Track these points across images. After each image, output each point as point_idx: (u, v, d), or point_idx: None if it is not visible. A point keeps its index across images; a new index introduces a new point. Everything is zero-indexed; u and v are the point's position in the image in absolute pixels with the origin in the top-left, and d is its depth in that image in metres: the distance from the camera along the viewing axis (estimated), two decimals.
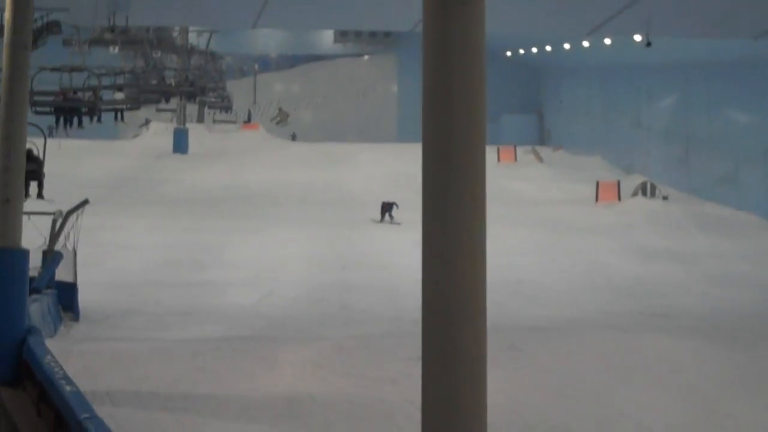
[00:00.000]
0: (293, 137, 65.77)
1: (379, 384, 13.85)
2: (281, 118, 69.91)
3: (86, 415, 10.61)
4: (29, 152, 21.36)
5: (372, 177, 45.85)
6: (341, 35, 68.35)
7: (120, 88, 38.14)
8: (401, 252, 27.36)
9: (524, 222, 34.83)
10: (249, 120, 68.27)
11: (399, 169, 43.82)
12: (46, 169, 22.12)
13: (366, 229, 33.31)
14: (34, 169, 21.01)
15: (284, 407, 12.66)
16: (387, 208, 34.41)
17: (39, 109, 27.39)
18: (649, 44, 25.88)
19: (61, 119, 29.90)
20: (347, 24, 44.60)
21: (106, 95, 35.72)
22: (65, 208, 21.56)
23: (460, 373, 5.43)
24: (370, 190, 42.13)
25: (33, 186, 21.22)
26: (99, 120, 31.38)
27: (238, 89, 67.07)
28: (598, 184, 43.23)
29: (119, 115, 37.79)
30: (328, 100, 69.71)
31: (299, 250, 29.66)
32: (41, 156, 21.61)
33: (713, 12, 24.14)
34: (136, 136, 60.95)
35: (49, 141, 22.89)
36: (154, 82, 43.10)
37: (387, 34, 65.96)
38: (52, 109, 28.89)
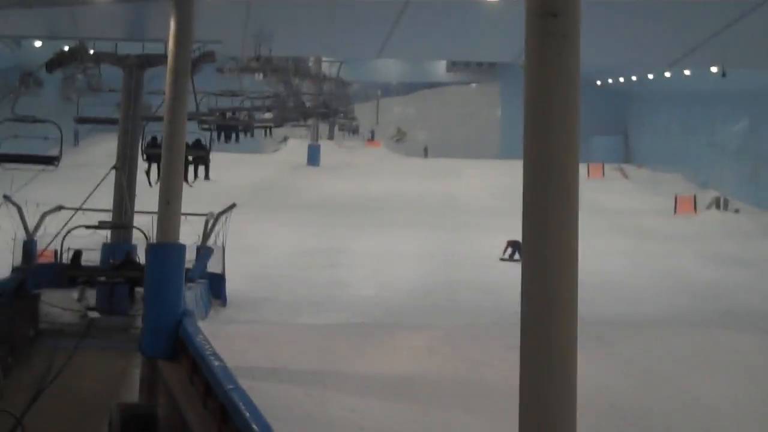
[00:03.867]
0: (425, 151, 66.22)
1: (481, 367, 13.75)
2: (399, 136, 70.26)
3: (231, 386, 10.75)
4: (198, 142, 22.03)
5: (476, 188, 45.73)
6: (452, 65, 68.50)
7: (269, 110, 38.99)
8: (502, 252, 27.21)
9: (611, 230, 34.37)
10: (372, 138, 68.78)
11: (500, 181, 43.60)
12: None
13: (471, 233, 33.16)
14: (203, 156, 21.68)
15: (398, 384, 12.64)
16: (514, 246, 28.22)
17: (204, 126, 27.99)
18: (724, 75, 25.36)
19: (222, 134, 30.65)
20: (458, 55, 44.62)
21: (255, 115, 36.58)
22: (216, 211, 21.92)
23: (553, 359, 5.40)
24: (475, 200, 42.02)
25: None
26: (252, 135, 32.30)
27: (363, 112, 67.59)
28: (676, 197, 42.52)
29: (268, 131, 38.80)
30: (440, 121, 69.77)
31: (413, 250, 29.68)
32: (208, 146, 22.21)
33: None
34: (276, 150, 61.75)
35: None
36: (291, 104, 43.80)
37: (492, 65, 65.86)
38: (215, 126, 29.59)
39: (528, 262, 5.55)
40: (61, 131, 19.09)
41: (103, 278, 20.32)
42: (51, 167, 19.63)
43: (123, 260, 20.59)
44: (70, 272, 20.92)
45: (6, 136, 20.24)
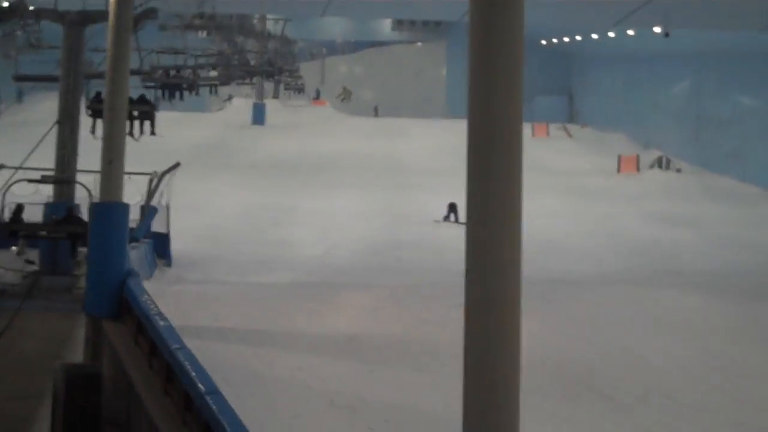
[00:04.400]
0: (375, 110, 66.07)
1: (427, 326, 13.88)
2: (345, 95, 70.05)
3: (176, 346, 10.72)
4: (143, 97, 21.82)
5: (423, 148, 45.77)
6: (398, 24, 68.25)
7: (213, 68, 38.76)
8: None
9: (554, 189, 34.65)
10: (318, 97, 68.48)
11: (446, 141, 43.68)
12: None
13: (418, 193, 33.25)
14: (147, 111, 21.51)
15: (346, 344, 12.73)
16: (452, 208, 29.12)
17: (148, 84, 27.65)
18: (667, 35, 25.59)
19: (167, 92, 30.33)
20: (403, 14, 44.51)
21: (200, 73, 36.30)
22: (161, 170, 21.73)
23: (498, 317, 5.44)
24: (421, 159, 42.10)
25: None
26: (197, 93, 32.10)
27: (308, 71, 67.22)
28: (620, 157, 42.94)
29: (213, 90, 38.63)
30: (386, 81, 69.64)
31: (360, 209, 29.71)
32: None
33: (724, 7, 23.84)
34: (220, 109, 61.23)
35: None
36: (236, 62, 43.51)
37: (438, 24, 65.79)
38: (160, 84, 29.25)
39: (472, 221, 5.58)
40: None
41: (44, 233, 20.05)
42: None
43: (65, 216, 20.35)
44: (10, 226, 20.62)
45: None
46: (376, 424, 9.35)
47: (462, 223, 29.62)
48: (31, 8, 24.75)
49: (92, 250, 15.09)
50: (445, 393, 8.67)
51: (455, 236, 19.72)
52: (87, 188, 20.04)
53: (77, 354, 15.38)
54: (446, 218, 28.49)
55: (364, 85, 70.57)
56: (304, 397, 10.11)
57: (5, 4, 25.01)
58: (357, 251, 23.15)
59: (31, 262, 19.93)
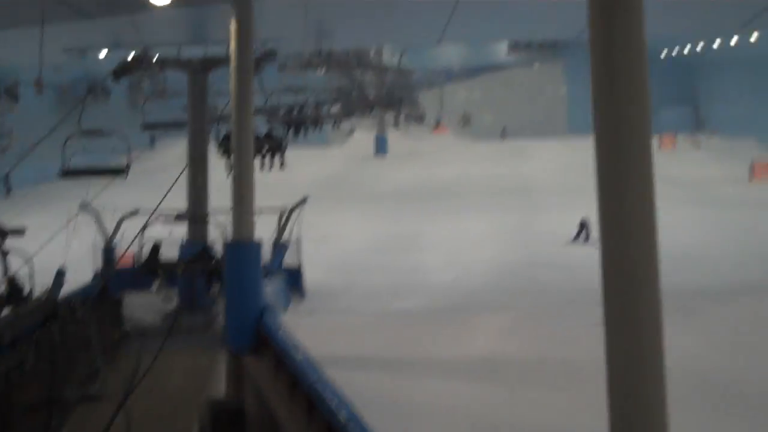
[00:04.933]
0: (503, 132, 65.95)
1: (565, 345, 13.71)
2: (465, 121, 70.13)
3: (316, 378, 10.88)
4: (270, 132, 22.39)
5: (548, 167, 45.43)
6: (514, 47, 68.07)
7: (335, 103, 39.49)
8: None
9: (686, 201, 33.90)
10: (438, 125, 68.71)
11: (571, 159, 43.25)
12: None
13: (546, 213, 32.97)
14: (276, 145, 22.08)
15: (483, 367, 12.67)
16: (583, 226, 28.16)
17: (273, 123, 28.29)
18: None
19: (291, 130, 30.95)
20: (519, 35, 44.32)
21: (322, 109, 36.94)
22: (288, 206, 22.11)
23: (639, 333, 5.36)
24: (546, 179, 41.77)
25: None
26: (320, 129, 32.71)
27: (427, 99, 67.58)
28: (752, 163, 41.75)
29: (335, 125, 39.35)
30: (505, 104, 69.46)
31: (487, 232, 29.61)
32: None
33: None
34: (343, 143, 62.02)
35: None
36: (355, 96, 44.13)
37: (553, 43, 65.36)
38: (284, 122, 29.89)
39: (606, 238, 5.53)
40: (128, 142, 19.39)
41: (179, 270, 20.68)
42: (121, 177, 19.98)
43: (199, 254, 20.92)
44: (148, 264, 21.30)
45: (75, 151, 20.63)
46: None
47: (592, 242, 29.20)
48: (155, 58, 25.64)
49: (229, 287, 15.46)
50: (588, 412, 8.54)
51: (587, 255, 19.48)
52: (219, 224, 20.52)
53: (219, 389, 15.73)
54: (577, 236, 28.05)
55: (484, 110, 70.52)
56: (446, 422, 10.11)
57: (130, 56, 25.96)
58: (488, 274, 23.05)
59: (170, 300, 20.55)
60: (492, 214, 33.06)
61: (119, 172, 19.92)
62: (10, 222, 14.43)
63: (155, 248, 21.80)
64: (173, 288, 21.17)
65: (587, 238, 27.32)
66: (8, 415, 13.81)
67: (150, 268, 21.03)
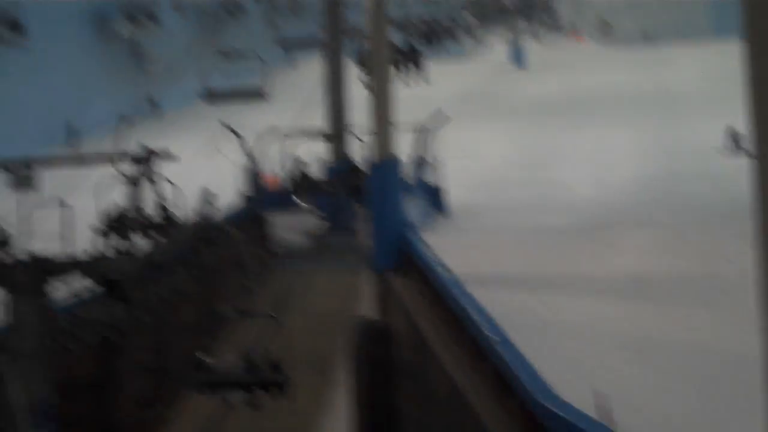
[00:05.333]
0: (645, 38, 63.99)
1: (714, 261, 13.47)
2: (604, 28, 68.31)
3: (462, 296, 10.99)
4: (408, 44, 22.33)
5: (691, 74, 44.05)
6: None
7: (470, 13, 39.03)
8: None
9: None
10: (576, 33, 67.22)
11: (716, 65, 41.79)
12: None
13: (691, 122, 32.05)
14: (414, 59, 21.96)
15: (631, 285, 12.56)
16: (733, 137, 25.59)
17: (408, 37, 28.19)
18: None
19: (427, 42, 30.76)
20: None
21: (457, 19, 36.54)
22: (426, 122, 22.10)
23: None
24: (691, 86, 40.53)
25: None
26: (455, 40, 32.43)
27: (564, 6, 66.01)
28: None
29: (472, 35, 38.95)
30: (647, 6, 67.24)
31: (630, 145, 29.02)
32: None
33: None
34: (479, 54, 61.31)
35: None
36: (491, 5, 43.49)
37: None
38: (420, 34, 29.74)
39: (762, 147, 5.33)
40: (263, 62, 19.61)
41: (326, 188, 21.03)
42: (261, 99, 20.25)
43: (348, 170, 21.19)
44: (294, 181, 21.68)
45: (215, 73, 20.99)
46: (669, 365, 9.22)
47: (744, 150, 28.03)
48: None
49: (373, 207, 15.67)
50: (739, 330, 8.41)
51: (736, 167, 18.93)
52: (360, 139, 20.62)
53: (367, 308, 16.06)
54: (726, 146, 27.05)
55: (624, 15, 68.44)
56: (593, 341, 10.09)
57: None
58: (632, 187, 22.62)
59: (320, 216, 20.92)
60: (634, 125, 32.32)
61: (258, 93, 20.22)
62: (159, 142, 14.84)
63: (302, 166, 22.15)
64: (320, 208, 21.56)
65: (736, 148, 26.39)
66: (165, 336, 14.45)
67: (299, 187, 21.41)
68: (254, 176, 22.79)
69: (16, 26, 35.34)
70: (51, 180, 14.78)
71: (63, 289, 11.02)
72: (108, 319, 10.61)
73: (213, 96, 20.71)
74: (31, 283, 10.68)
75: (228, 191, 21.88)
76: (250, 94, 20.53)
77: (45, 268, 10.81)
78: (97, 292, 10.96)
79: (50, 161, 14.59)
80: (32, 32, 36.29)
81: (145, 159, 11.92)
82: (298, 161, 22.45)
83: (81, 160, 14.65)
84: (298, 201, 21.68)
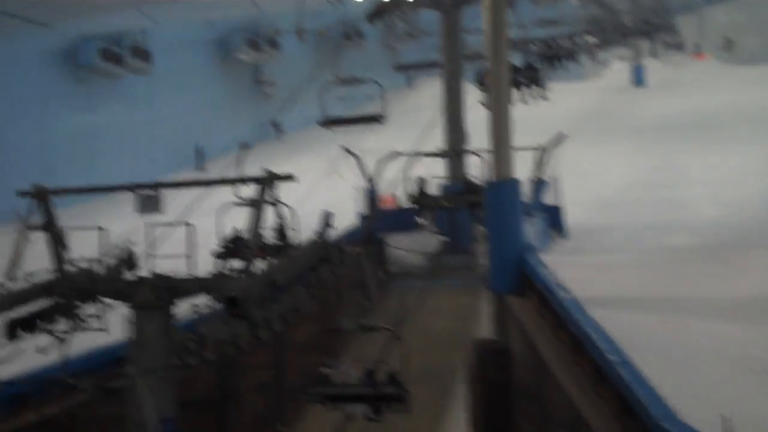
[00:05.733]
0: (728, 45, 62.42)
1: None
2: (728, 46, 66.68)
3: (582, 318, 10.77)
4: (528, 64, 22.17)
5: None
6: None
7: (589, 34, 38.57)
8: None
9: None
10: (698, 51, 65.80)
11: None
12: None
13: None
14: (534, 77, 21.84)
15: (756, 307, 12.14)
16: None
17: (530, 58, 27.98)
18: None
19: (547, 64, 30.50)
20: None
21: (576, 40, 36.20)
22: (545, 143, 21.88)
23: None
24: None
25: None
26: (575, 61, 32.05)
27: (685, 24, 64.69)
28: None
29: (590, 56, 38.56)
30: None
31: (754, 165, 28.18)
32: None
33: None
34: (598, 74, 60.55)
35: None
36: (610, 26, 42.92)
37: None
38: (539, 55, 29.53)
39: None
40: (382, 89, 19.70)
41: (446, 204, 20.99)
42: (377, 123, 20.37)
43: (464, 188, 21.11)
44: (415, 198, 21.69)
45: (332, 98, 21.17)
46: None
47: None
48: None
49: (490, 228, 15.51)
50: None
51: None
52: (480, 156, 20.51)
53: (483, 329, 15.90)
54: None
55: (748, 33, 66.69)
56: (718, 364, 9.75)
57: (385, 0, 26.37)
58: (757, 209, 21.95)
59: (439, 234, 20.88)
60: (759, 144, 31.37)
61: (375, 118, 20.32)
62: (281, 164, 15.04)
63: (421, 183, 22.14)
64: (438, 227, 21.52)
65: None
66: (284, 354, 14.57)
67: (418, 203, 21.42)
68: (372, 197, 22.90)
69: (144, 55, 36.47)
70: (176, 202, 15.11)
71: (185, 307, 11.22)
72: (228, 336, 10.73)
73: (331, 121, 20.97)
74: (155, 301, 10.90)
75: (346, 211, 22.00)
76: (368, 120, 20.69)
77: (168, 286, 11.01)
78: (217, 309, 11.11)
79: (175, 184, 14.91)
80: (158, 60, 37.34)
81: (266, 182, 12.07)
82: (416, 181, 22.47)
83: (204, 184, 14.91)
84: (419, 220, 21.67)
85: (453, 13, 24.98)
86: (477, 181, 20.98)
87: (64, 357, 11.81)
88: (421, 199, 21.53)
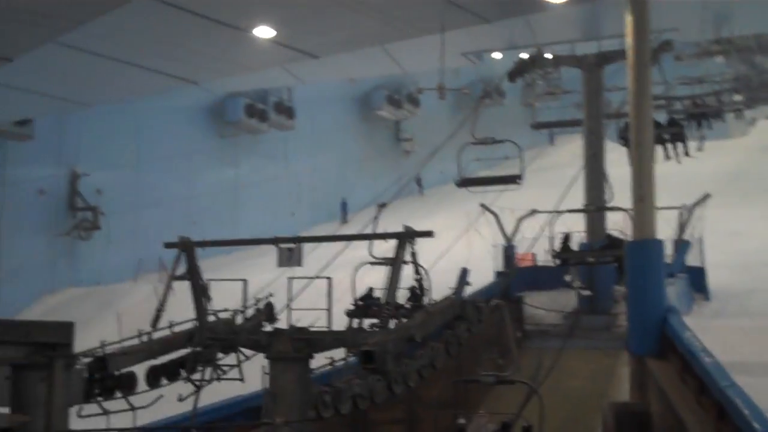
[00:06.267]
0: None
1: None
2: None
3: (726, 383, 10.40)
4: (672, 120, 21.78)
5: None
6: None
7: (736, 92, 37.74)
8: None
9: None
10: None
11: None
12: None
13: None
14: (679, 132, 21.48)
15: None
16: None
17: (675, 116, 27.50)
18: None
19: (693, 122, 29.95)
20: None
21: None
22: (688, 202, 21.39)
23: None
24: None
25: None
26: (722, 120, 31.38)
27: None
28: None
29: (738, 114, 37.67)
30: None
31: None
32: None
33: None
34: (744, 134, 59.02)
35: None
36: (756, 83, 41.85)
37: None
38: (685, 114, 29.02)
39: None
40: (520, 149, 19.64)
41: (591, 259, 20.68)
42: (514, 186, 20.27)
43: (606, 243, 20.78)
44: (559, 254, 21.41)
45: (470, 158, 21.21)
46: None
47: None
48: (550, 56, 25.88)
49: (631, 288, 15.18)
50: None
51: None
52: (626, 212, 20.18)
53: (621, 391, 15.51)
54: None
55: None
56: None
57: (525, 56, 26.36)
58: None
59: (584, 290, 20.57)
60: None
61: (512, 179, 20.22)
62: (420, 220, 15.12)
63: (566, 238, 21.87)
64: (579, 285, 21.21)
65: None
66: (416, 410, 14.51)
67: (561, 257, 21.16)
68: (510, 254, 22.75)
69: (288, 112, 37.43)
70: (316, 255, 15.33)
71: (320, 359, 11.31)
72: (364, 391, 10.74)
73: (468, 182, 21.00)
74: (293, 353, 11.02)
75: (483, 269, 21.90)
76: (505, 181, 20.61)
77: (306, 339, 11.12)
78: (352, 362, 11.16)
79: (315, 238, 15.12)
80: (300, 116, 38.22)
81: (405, 238, 12.11)
82: (558, 238, 22.19)
83: (343, 239, 15.09)
84: (566, 277, 21.42)
85: (595, 71, 24.81)
86: (621, 236, 20.63)
87: (196, 406, 12.03)
88: (566, 254, 21.23)
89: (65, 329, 7.29)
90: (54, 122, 28.31)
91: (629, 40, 15.38)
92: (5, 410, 6.80)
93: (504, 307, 13.13)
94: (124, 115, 30.67)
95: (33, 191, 28.62)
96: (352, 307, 13.86)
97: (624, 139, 21.38)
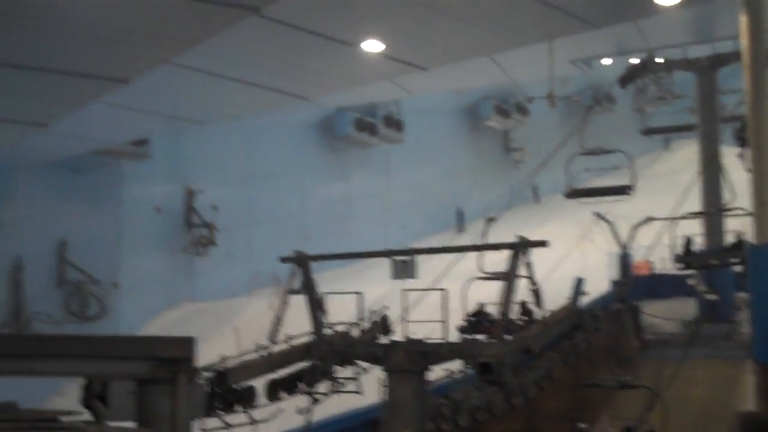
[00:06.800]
0: None
1: None
2: None
3: None
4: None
5: None
6: None
7: None
8: None
9: None
10: None
11: None
12: None
13: None
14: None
15: None
16: None
17: None
18: None
19: None
20: None
21: None
22: None
23: None
24: None
25: None
26: None
27: None
28: None
29: None
30: None
31: None
32: None
33: None
34: None
35: None
36: None
37: None
38: None
39: None
40: (629, 158, 19.26)
41: (715, 261, 20.19)
42: (625, 196, 19.91)
43: (732, 245, 20.24)
44: (682, 257, 20.95)
45: (579, 168, 20.92)
46: None
47: None
48: (661, 60, 25.38)
49: (754, 294, 14.74)
50: None
51: None
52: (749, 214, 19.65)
53: (746, 401, 15.06)
54: None
55: None
56: None
57: (636, 61, 25.92)
58: None
59: (709, 292, 20.10)
60: None
61: (622, 190, 19.87)
62: (533, 230, 14.98)
63: (688, 241, 21.38)
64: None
65: None
66: (534, 421, 14.34)
67: (685, 261, 20.70)
68: (625, 262, 22.34)
69: (397, 125, 37.59)
70: (429, 265, 15.32)
71: (437, 371, 11.28)
72: (483, 403, 10.67)
73: (577, 194, 20.73)
74: (410, 365, 11.02)
75: (598, 278, 21.59)
76: (615, 192, 20.25)
77: (422, 351, 11.11)
78: (469, 374, 11.10)
79: (428, 250, 15.10)
80: (409, 128, 38.32)
81: (519, 248, 12.00)
82: (678, 244, 21.69)
83: (456, 250, 15.04)
84: (690, 280, 20.93)
85: (709, 74, 24.25)
86: (738, 246, 20.08)
87: (312, 420, 12.12)
88: (689, 258, 20.73)
89: (187, 344, 7.39)
90: (169, 141, 28.89)
91: (744, 42, 15.00)
92: (132, 425, 6.92)
93: (625, 311, 12.92)
94: (237, 132, 31.17)
95: (150, 209, 29.22)
96: (463, 323, 13.80)
97: (741, 139, 20.82)
